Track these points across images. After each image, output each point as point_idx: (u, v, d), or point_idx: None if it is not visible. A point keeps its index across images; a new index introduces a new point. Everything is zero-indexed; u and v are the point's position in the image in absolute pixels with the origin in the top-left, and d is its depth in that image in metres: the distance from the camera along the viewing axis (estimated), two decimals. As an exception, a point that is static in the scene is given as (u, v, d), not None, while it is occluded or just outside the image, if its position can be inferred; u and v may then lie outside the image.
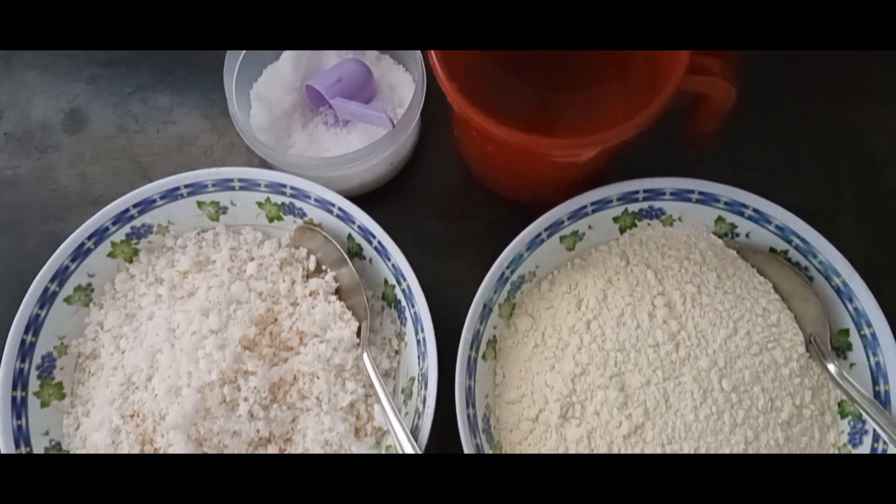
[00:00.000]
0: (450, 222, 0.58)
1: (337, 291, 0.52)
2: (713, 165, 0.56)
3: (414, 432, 0.46)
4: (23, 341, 0.49)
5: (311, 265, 0.53)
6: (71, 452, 0.49)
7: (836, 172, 0.59)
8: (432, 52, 0.43)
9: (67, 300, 0.51)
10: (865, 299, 0.48)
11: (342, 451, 0.48)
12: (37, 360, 0.49)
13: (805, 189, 0.58)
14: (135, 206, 0.51)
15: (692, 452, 0.46)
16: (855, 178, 0.58)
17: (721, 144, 0.55)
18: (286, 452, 0.48)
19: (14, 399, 0.48)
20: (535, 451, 0.48)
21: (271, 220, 0.54)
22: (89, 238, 0.50)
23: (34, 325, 0.49)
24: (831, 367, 0.48)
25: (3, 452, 0.46)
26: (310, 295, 0.51)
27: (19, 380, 0.48)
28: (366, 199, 0.57)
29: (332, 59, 0.57)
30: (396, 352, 0.52)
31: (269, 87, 0.56)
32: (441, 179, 0.59)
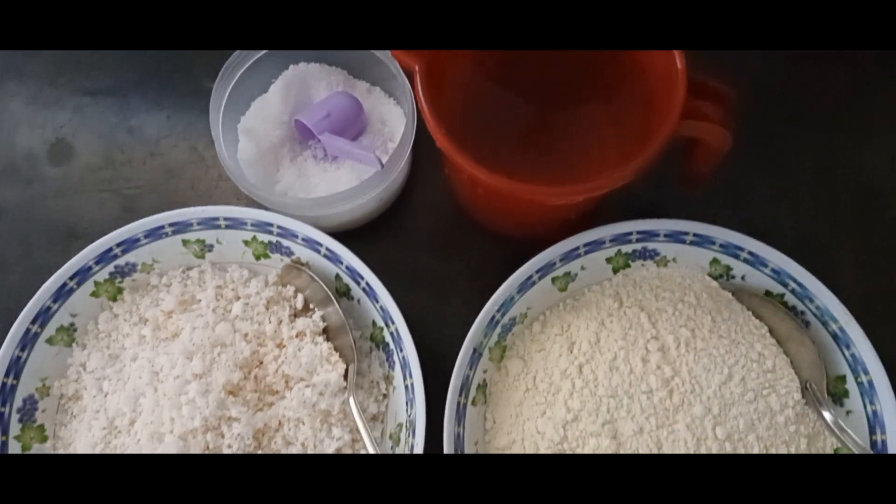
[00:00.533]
0: (441, 259, 0.57)
1: (324, 331, 0.51)
2: (710, 203, 0.55)
3: (401, 482, 0.45)
4: (3, 385, 0.48)
5: (299, 304, 0.52)
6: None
7: (834, 209, 0.57)
8: (420, 94, 0.42)
9: (49, 341, 0.50)
10: (862, 346, 0.47)
11: (328, 499, 0.47)
12: (18, 402, 0.48)
13: (804, 226, 0.57)
14: (118, 245, 0.50)
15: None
16: (854, 215, 0.57)
17: (719, 182, 0.54)
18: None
19: (-7, 445, 0.47)
20: (525, 500, 0.47)
21: (258, 258, 0.53)
22: (72, 278, 0.50)
23: (15, 368, 0.48)
24: (827, 415, 0.47)
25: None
26: (296, 336, 0.50)
27: (-1, 425, 0.47)
28: (356, 234, 0.56)
29: (321, 93, 0.56)
30: (385, 395, 0.51)
31: (257, 121, 0.55)
32: (432, 215, 0.58)
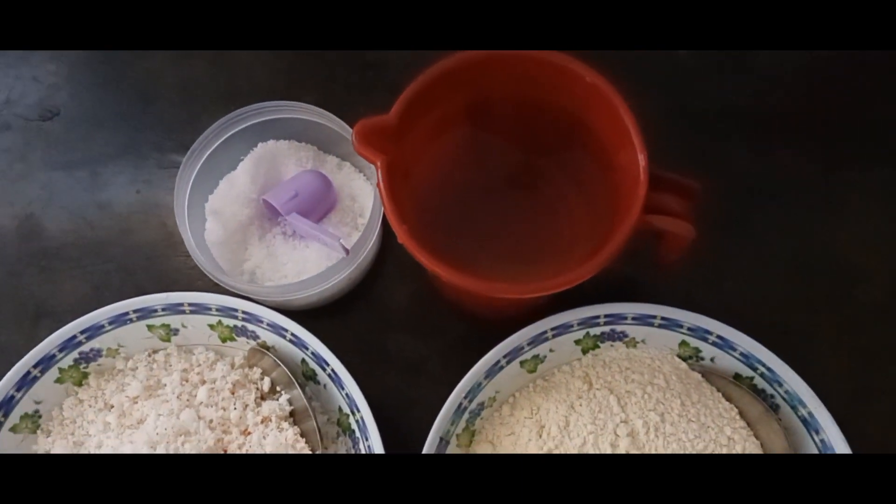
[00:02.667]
0: (409, 338, 0.56)
1: (291, 414, 0.51)
2: (683, 283, 0.55)
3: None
4: (-37, 478, 0.47)
5: (265, 386, 0.52)
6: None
7: (811, 290, 0.57)
8: (382, 190, 0.42)
9: (13, 429, 0.49)
10: (832, 432, 0.47)
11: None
12: (-23, 496, 0.48)
13: (780, 306, 0.56)
14: (82, 332, 0.50)
15: None
16: (831, 295, 0.57)
17: (692, 262, 0.54)
18: None
19: (-48, 540, 0.46)
20: (493, 592, 0.46)
21: (224, 341, 0.53)
22: (35, 366, 0.49)
23: (-25, 460, 0.47)
24: (798, 502, 0.47)
25: None
26: (262, 422, 0.50)
27: (-42, 519, 0.47)
28: (326, 311, 0.56)
29: (291, 169, 0.56)
30: (351, 482, 0.50)
31: (225, 201, 0.55)
32: (404, 291, 0.57)
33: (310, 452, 0.49)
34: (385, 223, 0.55)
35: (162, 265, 0.58)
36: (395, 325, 0.56)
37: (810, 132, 0.60)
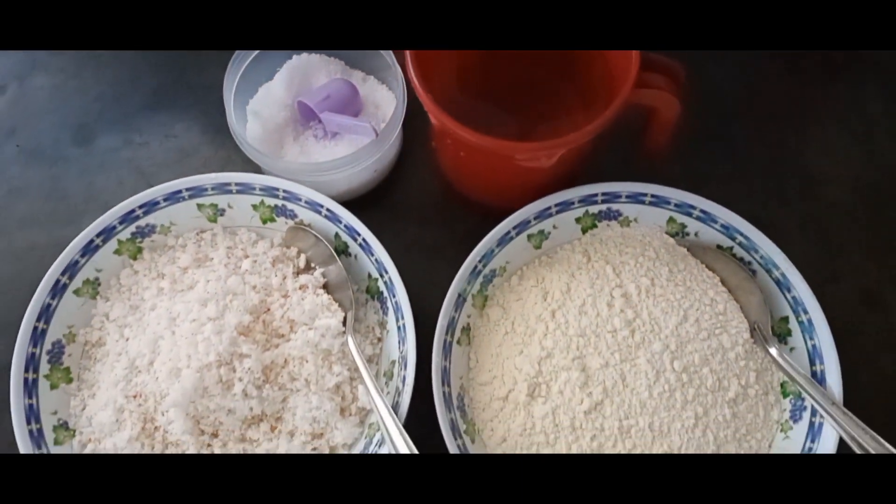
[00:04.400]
0: (429, 228, 0.63)
1: (325, 286, 0.57)
2: (668, 182, 0.62)
3: (394, 408, 0.51)
4: (35, 328, 0.53)
5: (301, 263, 0.58)
6: (77, 430, 0.53)
7: (782, 189, 0.64)
8: (411, 69, 0.49)
9: (76, 292, 0.55)
10: (802, 289, 0.54)
11: (329, 429, 0.53)
12: (47, 345, 0.54)
13: (754, 203, 0.62)
14: (140, 206, 0.56)
15: (647, 426, 0.51)
16: (800, 194, 0.64)
17: (677, 163, 0.61)
18: (277, 430, 0.53)
19: (26, 380, 0.52)
20: (505, 428, 0.53)
21: (265, 222, 0.59)
22: (98, 235, 0.55)
23: (46, 314, 0.54)
24: (773, 351, 0.53)
25: (15, 428, 0.50)
26: (299, 288, 0.56)
27: (31, 363, 0.52)
28: (352, 205, 0.61)
29: (321, 79, 0.63)
30: (379, 339, 0.56)
31: (264, 105, 0.62)
32: (422, 190, 0.64)
33: (342, 315, 0.55)
34: (406, 132, 0.62)
35: (205, 165, 0.65)
36: (414, 220, 0.63)
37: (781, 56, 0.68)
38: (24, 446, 0.50)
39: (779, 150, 0.65)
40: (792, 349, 0.55)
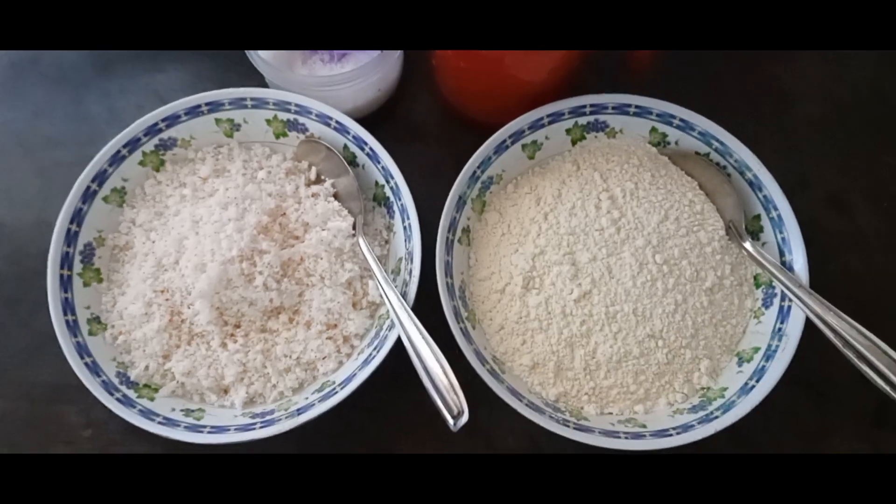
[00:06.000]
0: (431, 146, 0.67)
1: (334, 196, 0.62)
2: (653, 90, 0.66)
3: (403, 297, 0.55)
4: (68, 230, 0.57)
5: (312, 175, 0.63)
6: (108, 324, 0.58)
7: (756, 106, 0.69)
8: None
9: (105, 199, 0.60)
10: (772, 188, 0.59)
11: (342, 320, 0.57)
12: (80, 246, 0.58)
13: (729, 119, 0.67)
14: (163, 120, 0.60)
15: (631, 312, 0.56)
16: (772, 111, 0.69)
17: (657, 84, 0.65)
18: (295, 321, 0.57)
19: (62, 276, 0.56)
20: (503, 317, 0.58)
21: (278, 137, 0.63)
22: (124, 146, 0.60)
23: (77, 217, 0.58)
24: (747, 245, 0.58)
25: (53, 317, 0.55)
26: (312, 196, 0.61)
27: (65, 261, 0.57)
28: (358, 123, 0.66)
29: (327, 7, 0.67)
30: (386, 241, 0.61)
31: (274, 29, 0.66)
32: (424, 109, 0.69)
33: (352, 219, 0.60)
34: (406, 60, 0.67)
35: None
36: (417, 135, 0.68)
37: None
38: (61, 335, 0.55)
39: (753, 69, 0.70)
40: (764, 244, 0.60)
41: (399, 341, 0.53)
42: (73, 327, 0.56)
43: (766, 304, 0.58)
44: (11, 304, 0.62)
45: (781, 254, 0.59)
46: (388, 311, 0.55)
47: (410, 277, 0.56)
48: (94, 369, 0.55)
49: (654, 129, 0.62)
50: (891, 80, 0.70)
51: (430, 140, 0.68)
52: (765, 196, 0.59)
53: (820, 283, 0.56)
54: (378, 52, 0.61)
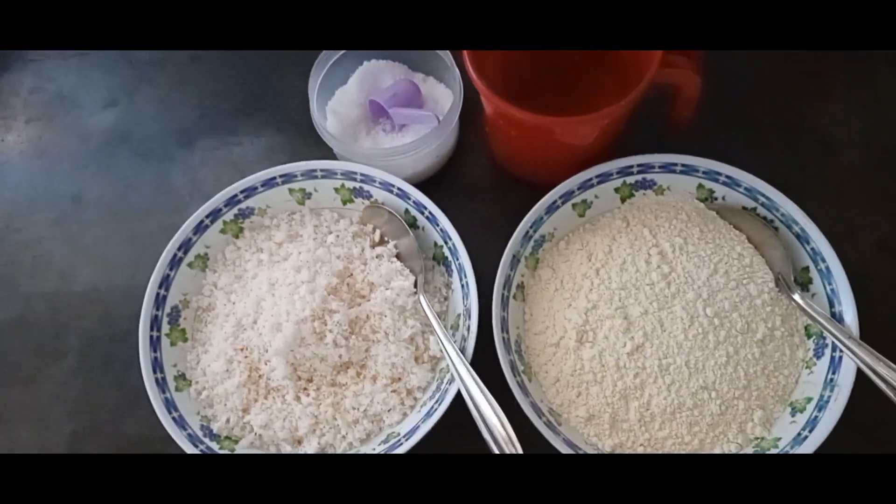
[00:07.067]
0: (485, 205, 0.71)
1: (397, 256, 0.66)
2: (696, 153, 0.69)
3: (462, 352, 0.59)
4: (157, 294, 0.63)
5: (377, 237, 0.67)
6: (193, 380, 0.63)
7: (799, 156, 0.71)
8: (468, 62, 0.58)
9: (190, 265, 0.66)
10: (819, 241, 0.60)
11: (405, 374, 0.61)
12: (167, 309, 0.64)
13: (774, 171, 0.68)
14: (241, 192, 0.66)
15: (683, 364, 0.58)
16: (815, 161, 0.71)
17: (701, 138, 0.68)
18: (362, 375, 0.61)
19: (151, 337, 0.62)
20: (558, 370, 0.60)
21: (345, 203, 0.68)
22: (207, 217, 0.65)
23: (166, 283, 0.64)
24: (796, 297, 0.60)
25: (144, 376, 0.60)
26: (376, 257, 0.65)
27: (154, 323, 0.63)
28: (417, 187, 0.71)
29: (388, 80, 0.73)
30: (445, 298, 0.65)
31: (340, 104, 0.72)
32: (478, 172, 0.73)
33: (413, 278, 0.64)
34: (462, 125, 0.71)
35: (291, 160, 0.74)
36: (473, 196, 0.72)
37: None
38: (152, 392, 0.60)
39: (794, 121, 0.72)
40: (813, 295, 0.61)
41: (459, 394, 0.56)
42: (161, 384, 0.61)
43: (818, 354, 0.60)
44: (106, 362, 0.68)
45: (831, 304, 0.60)
46: (448, 364, 0.58)
47: (469, 333, 0.59)
48: (181, 423, 0.59)
49: (700, 186, 0.65)
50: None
51: (486, 199, 0.72)
52: (812, 248, 0.61)
53: (873, 329, 0.57)
54: (436, 121, 0.66)
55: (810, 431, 0.56)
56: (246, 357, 0.62)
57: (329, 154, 0.70)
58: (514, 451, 0.52)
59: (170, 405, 0.60)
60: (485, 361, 0.59)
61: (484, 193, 0.72)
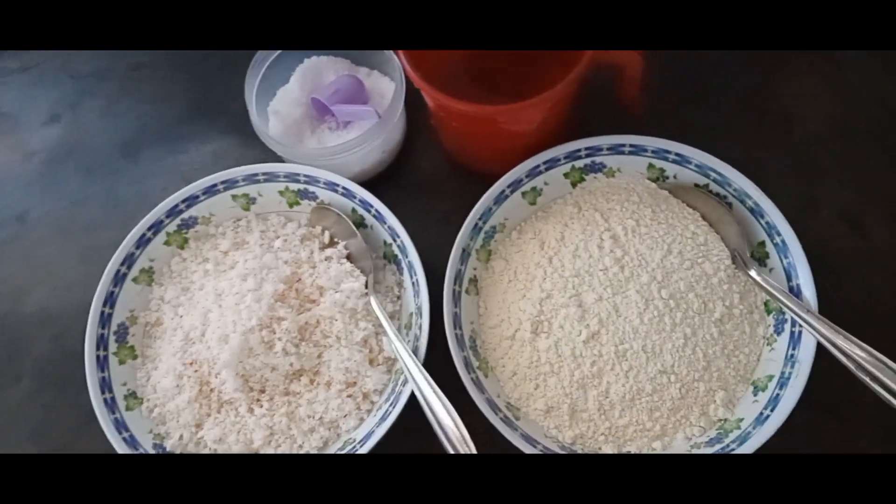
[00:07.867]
0: (440, 199, 0.69)
1: (347, 257, 0.65)
2: (651, 134, 0.67)
3: (414, 352, 0.57)
4: (102, 312, 0.61)
5: (326, 239, 0.66)
6: (144, 398, 0.61)
7: (759, 132, 0.69)
8: (405, 61, 0.56)
9: (135, 280, 0.64)
10: (774, 214, 0.59)
11: (360, 377, 0.60)
12: (114, 327, 0.62)
13: (734, 147, 0.67)
14: (183, 201, 0.64)
15: (640, 349, 0.57)
16: (776, 135, 0.69)
17: (658, 115, 0.66)
18: (316, 382, 0.60)
19: (98, 357, 0.60)
20: (514, 363, 0.59)
21: (291, 206, 0.67)
22: (149, 229, 0.64)
23: (110, 300, 0.62)
24: (752, 273, 0.58)
25: (91, 397, 0.59)
26: (325, 259, 0.64)
27: (101, 342, 0.61)
28: (365, 185, 0.68)
29: (330, 77, 0.71)
30: (398, 297, 0.64)
31: (282, 105, 0.70)
32: (427, 166, 0.71)
33: (364, 279, 0.62)
34: (408, 119, 0.70)
35: (237, 163, 0.71)
36: (423, 191, 0.70)
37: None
38: (100, 414, 0.58)
39: (755, 95, 0.70)
40: (771, 270, 0.60)
41: (414, 395, 0.55)
42: (111, 405, 0.59)
43: (778, 330, 0.58)
44: (60, 384, 0.67)
45: (789, 278, 0.59)
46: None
47: (421, 332, 0.58)
48: (132, 443, 0.58)
49: (651, 166, 0.63)
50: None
51: (438, 193, 0.70)
52: (767, 222, 0.60)
53: (837, 303, 0.56)
54: (377, 116, 0.64)
55: (772, 410, 0.54)
56: (196, 371, 0.60)
57: (278, 157, 0.68)
58: (468, 451, 0.50)
59: (119, 425, 0.59)
60: (440, 359, 0.57)
61: (439, 188, 0.70)
